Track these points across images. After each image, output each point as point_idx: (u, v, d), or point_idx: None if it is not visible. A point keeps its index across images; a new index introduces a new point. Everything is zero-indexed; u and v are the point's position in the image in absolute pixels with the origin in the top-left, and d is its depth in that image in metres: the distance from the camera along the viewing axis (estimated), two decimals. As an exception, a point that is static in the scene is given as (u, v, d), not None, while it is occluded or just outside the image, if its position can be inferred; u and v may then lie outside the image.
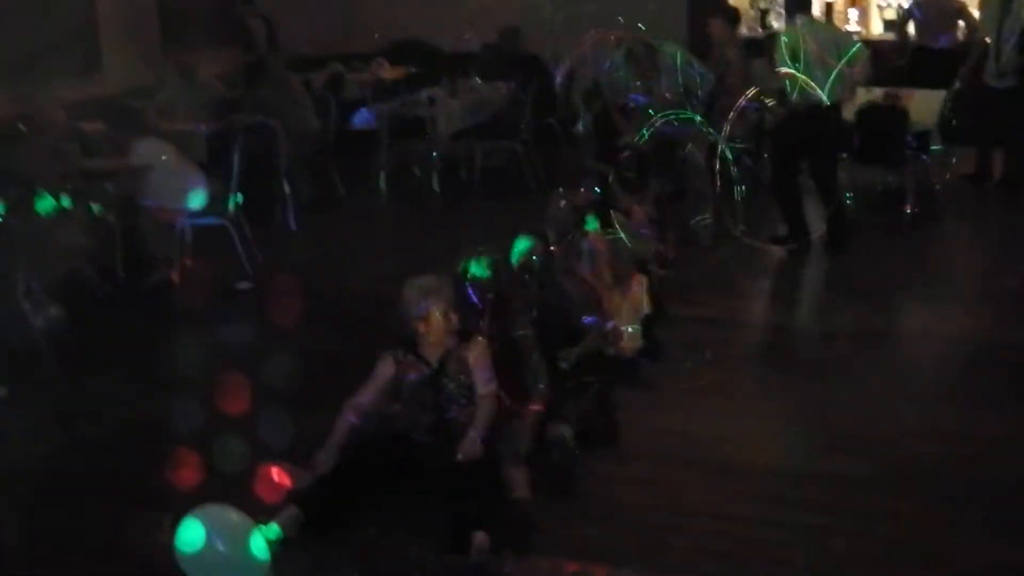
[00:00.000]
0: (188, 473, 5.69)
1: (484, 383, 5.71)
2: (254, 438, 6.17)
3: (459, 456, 5.38)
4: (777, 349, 7.86)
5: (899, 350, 7.68)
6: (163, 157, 9.34)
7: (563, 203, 7.70)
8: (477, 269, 6.57)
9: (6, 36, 11.26)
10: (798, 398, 6.87)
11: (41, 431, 6.73)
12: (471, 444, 5.42)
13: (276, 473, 5.54)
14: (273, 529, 5.04)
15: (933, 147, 10.96)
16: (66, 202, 8.77)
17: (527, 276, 6.82)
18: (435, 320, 5.66)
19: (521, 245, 6.96)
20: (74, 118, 10.70)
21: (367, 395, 5.79)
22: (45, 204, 8.56)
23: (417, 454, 5.56)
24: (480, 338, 5.85)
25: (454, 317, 5.73)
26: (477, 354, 5.74)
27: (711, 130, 9.37)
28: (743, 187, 9.52)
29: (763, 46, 11.63)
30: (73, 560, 5.24)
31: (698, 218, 9.85)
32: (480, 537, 4.90)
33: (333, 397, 6.44)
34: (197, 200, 9.36)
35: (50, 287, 8.27)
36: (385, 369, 5.81)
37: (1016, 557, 5.02)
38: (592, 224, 7.72)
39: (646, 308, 7.66)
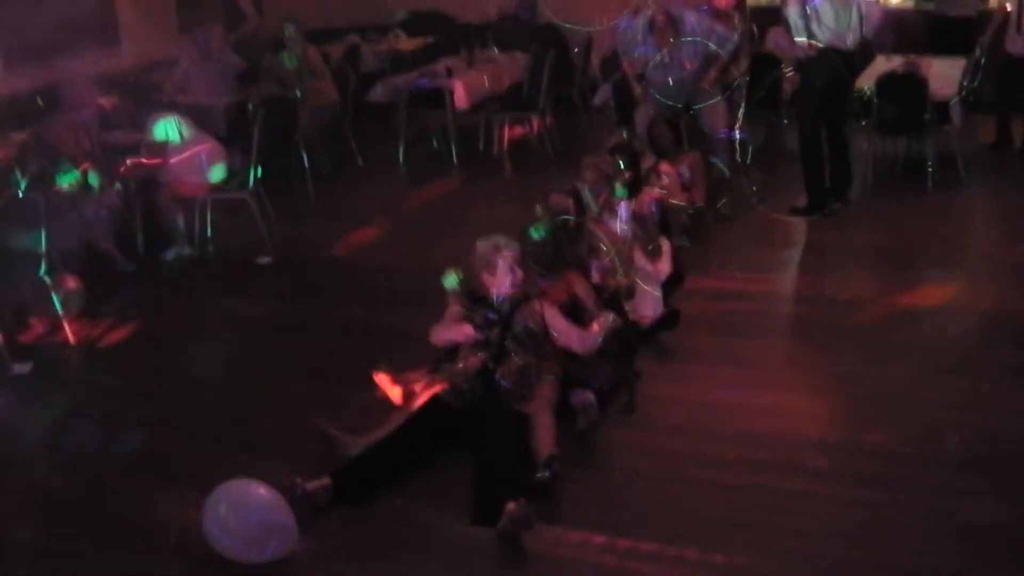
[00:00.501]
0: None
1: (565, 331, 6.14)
2: (280, 408, 6.23)
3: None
4: (797, 320, 7.85)
5: (920, 320, 7.65)
6: (183, 131, 9.33)
7: (593, 170, 7.87)
8: (536, 233, 6.74)
9: (25, 12, 11.26)
10: (818, 368, 6.86)
11: (64, 406, 6.76)
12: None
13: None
14: None
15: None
16: (93, 179, 8.80)
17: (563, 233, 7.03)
18: (501, 272, 6.02)
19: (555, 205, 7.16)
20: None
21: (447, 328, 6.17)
22: (67, 178, 8.58)
23: (455, 420, 5.65)
24: (545, 301, 6.19)
25: (520, 271, 6.09)
26: (550, 313, 6.14)
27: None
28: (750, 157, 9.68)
29: (779, 14, 11.58)
30: (98, 535, 5.27)
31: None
32: (512, 508, 4.90)
33: (355, 366, 6.49)
34: (217, 174, 9.37)
35: (71, 262, 8.28)
36: (454, 307, 6.19)
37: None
38: (621, 192, 7.72)
39: (667, 274, 7.70)
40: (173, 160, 9.18)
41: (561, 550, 4.96)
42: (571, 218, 7.07)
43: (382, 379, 6.20)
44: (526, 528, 4.92)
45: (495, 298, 6.08)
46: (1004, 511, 5.13)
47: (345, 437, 5.69)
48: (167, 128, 9.20)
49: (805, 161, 10.01)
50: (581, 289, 6.62)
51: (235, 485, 4.91)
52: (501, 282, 6.04)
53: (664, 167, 8.99)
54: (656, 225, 8.14)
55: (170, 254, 9.30)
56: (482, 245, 6.10)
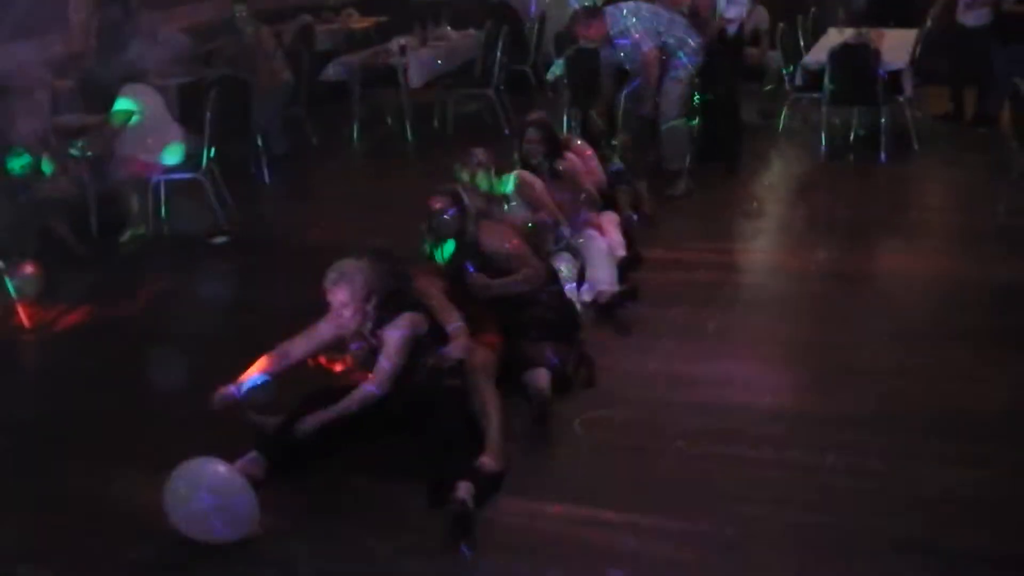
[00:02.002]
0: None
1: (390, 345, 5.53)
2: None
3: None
4: (754, 290, 7.88)
5: (877, 289, 7.72)
6: (149, 104, 9.27)
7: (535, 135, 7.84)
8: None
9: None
10: (776, 338, 6.90)
11: (19, 391, 6.72)
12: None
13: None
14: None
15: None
16: (47, 166, 8.73)
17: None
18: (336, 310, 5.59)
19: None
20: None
21: (299, 346, 5.83)
22: (19, 162, 8.51)
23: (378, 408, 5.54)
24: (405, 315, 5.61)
25: (359, 305, 5.55)
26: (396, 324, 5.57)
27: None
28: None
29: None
30: (60, 519, 5.21)
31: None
32: (464, 487, 4.89)
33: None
34: (174, 155, 9.31)
35: (25, 247, 8.21)
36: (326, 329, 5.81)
37: (999, 489, 5.07)
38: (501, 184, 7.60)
39: (621, 250, 7.69)
40: (129, 137, 9.14)
41: (517, 520, 4.96)
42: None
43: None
44: (473, 507, 4.89)
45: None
46: (963, 476, 5.18)
47: (269, 420, 5.63)
48: (127, 104, 9.14)
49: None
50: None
51: (194, 464, 4.88)
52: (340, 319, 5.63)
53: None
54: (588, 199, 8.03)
55: (124, 235, 9.24)
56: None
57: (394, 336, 5.50)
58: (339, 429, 5.42)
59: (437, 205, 6.61)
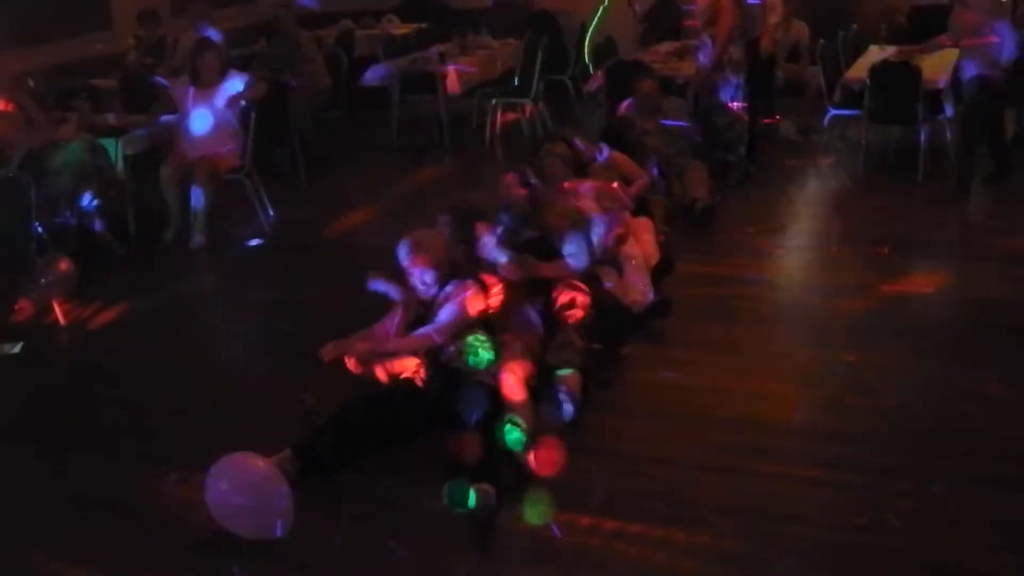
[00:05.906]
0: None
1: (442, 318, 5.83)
2: (269, 390, 6.23)
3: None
4: (784, 307, 7.84)
5: (906, 309, 7.66)
6: None
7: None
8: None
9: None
10: (803, 355, 6.85)
11: (55, 387, 6.76)
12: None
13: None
14: None
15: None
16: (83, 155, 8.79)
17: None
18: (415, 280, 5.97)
19: None
20: (85, 76, 10.73)
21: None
22: (58, 159, 8.56)
23: (417, 401, 5.60)
24: (472, 283, 5.94)
25: (432, 273, 5.93)
26: (456, 292, 5.87)
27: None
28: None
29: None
30: (90, 517, 5.25)
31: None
32: (485, 490, 4.91)
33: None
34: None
35: (63, 243, 8.27)
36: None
37: (1015, 511, 5.04)
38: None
39: (655, 257, 7.68)
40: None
41: (543, 531, 4.95)
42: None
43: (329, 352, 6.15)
44: (492, 509, 4.94)
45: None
46: (976, 497, 5.15)
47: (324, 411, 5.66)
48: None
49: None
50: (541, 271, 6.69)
51: (236, 459, 4.89)
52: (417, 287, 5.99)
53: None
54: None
55: (161, 234, 9.31)
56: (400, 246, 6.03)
57: (462, 294, 5.81)
58: (372, 430, 5.43)
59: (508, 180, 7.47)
